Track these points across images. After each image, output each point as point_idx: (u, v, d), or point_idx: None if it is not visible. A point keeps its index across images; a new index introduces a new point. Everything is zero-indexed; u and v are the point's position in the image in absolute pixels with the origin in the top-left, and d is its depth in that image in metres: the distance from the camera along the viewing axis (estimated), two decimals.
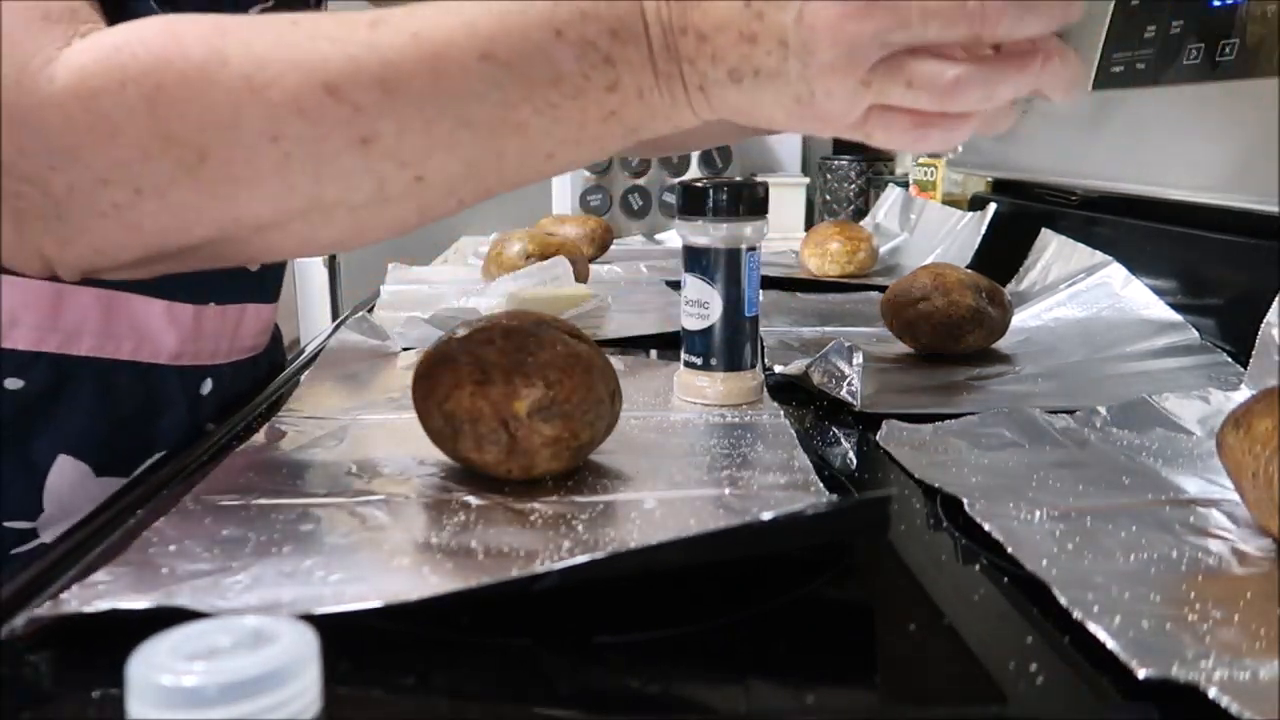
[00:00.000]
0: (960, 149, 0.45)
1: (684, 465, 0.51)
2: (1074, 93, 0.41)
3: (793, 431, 0.56)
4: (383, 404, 0.62)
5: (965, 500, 0.45)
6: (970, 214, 1.10)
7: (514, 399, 0.46)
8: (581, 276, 0.98)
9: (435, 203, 0.44)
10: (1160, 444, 0.53)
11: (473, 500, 0.46)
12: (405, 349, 0.75)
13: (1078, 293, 0.84)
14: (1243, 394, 0.56)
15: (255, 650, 0.22)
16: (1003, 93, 0.39)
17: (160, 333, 0.59)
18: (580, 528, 0.43)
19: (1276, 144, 0.66)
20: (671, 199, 1.48)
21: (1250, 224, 0.71)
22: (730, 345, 0.61)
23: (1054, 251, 0.93)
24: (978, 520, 0.43)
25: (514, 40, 0.40)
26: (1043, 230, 0.96)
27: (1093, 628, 0.33)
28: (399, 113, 0.40)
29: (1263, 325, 0.60)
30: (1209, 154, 0.74)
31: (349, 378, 0.68)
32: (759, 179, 0.64)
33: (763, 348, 0.68)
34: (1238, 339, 0.68)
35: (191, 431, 0.61)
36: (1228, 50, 0.72)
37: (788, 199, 1.60)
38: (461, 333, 0.49)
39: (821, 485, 0.47)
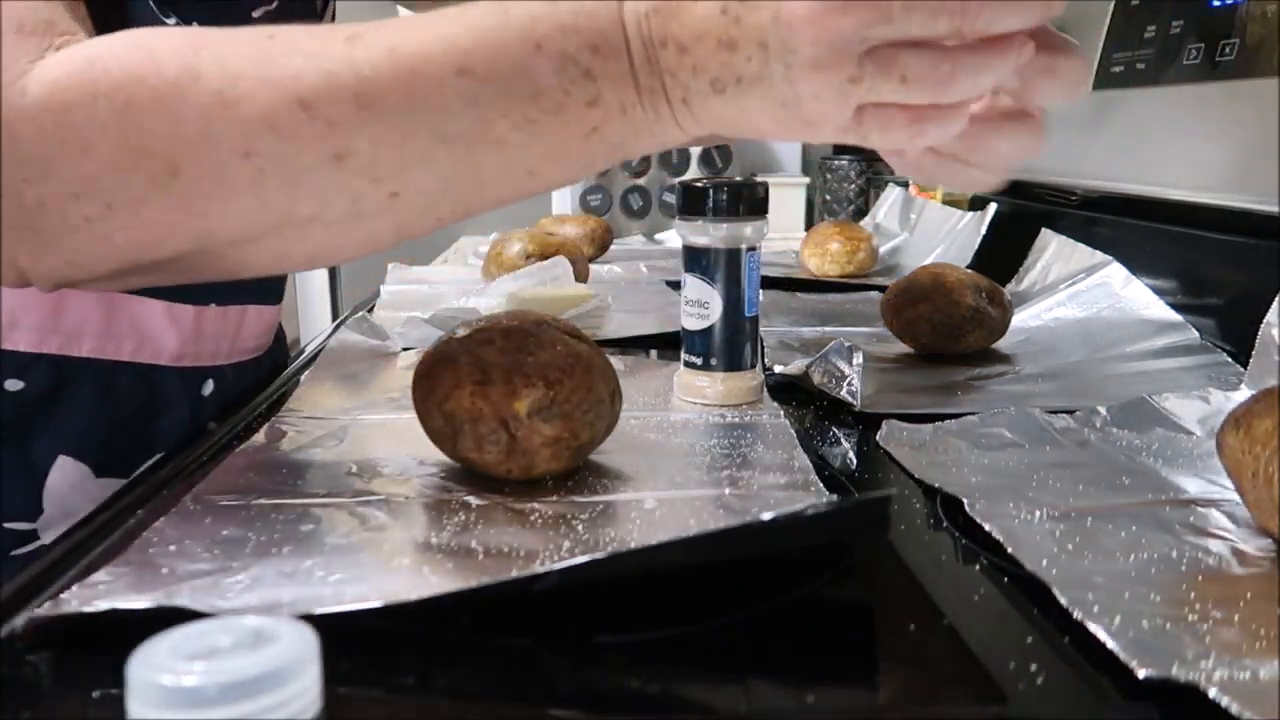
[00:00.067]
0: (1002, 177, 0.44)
1: (684, 465, 0.51)
2: (1079, 91, 0.41)
3: (793, 431, 0.56)
4: (383, 404, 0.62)
5: (965, 500, 0.45)
6: (970, 214, 1.10)
7: (514, 399, 0.46)
8: (581, 276, 0.98)
9: (412, 220, 0.43)
10: (1160, 444, 0.53)
11: (473, 500, 0.46)
12: (405, 349, 0.75)
13: (1078, 293, 0.84)
14: (1243, 394, 0.56)
15: (255, 650, 0.22)
16: (985, 80, 0.38)
17: (161, 334, 0.59)
18: (580, 528, 0.43)
19: (1276, 144, 0.66)
20: (671, 199, 1.48)
21: (1250, 224, 0.71)
22: (730, 345, 0.61)
23: (1054, 251, 0.93)
24: (978, 520, 0.43)
25: (491, 54, 0.39)
26: (1043, 230, 0.96)
27: (1093, 628, 0.33)
28: (373, 128, 0.40)
29: (1263, 325, 0.60)
30: (1209, 154, 0.74)
31: (349, 378, 0.68)
32: (759, 179, 0.64)
33: (763, 348, 0.68)
34: (1238, 339, 0.68)
35: (193, 432, 0.61)
36: (1228, 50, 0.72)
37: (788, 199, 1.60)
38: (461, 333, 0.49)
39: (821, 485, 0.47)
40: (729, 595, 0.38)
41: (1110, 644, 0.32)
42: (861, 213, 1.47)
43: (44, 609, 0.35)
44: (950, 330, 0.72)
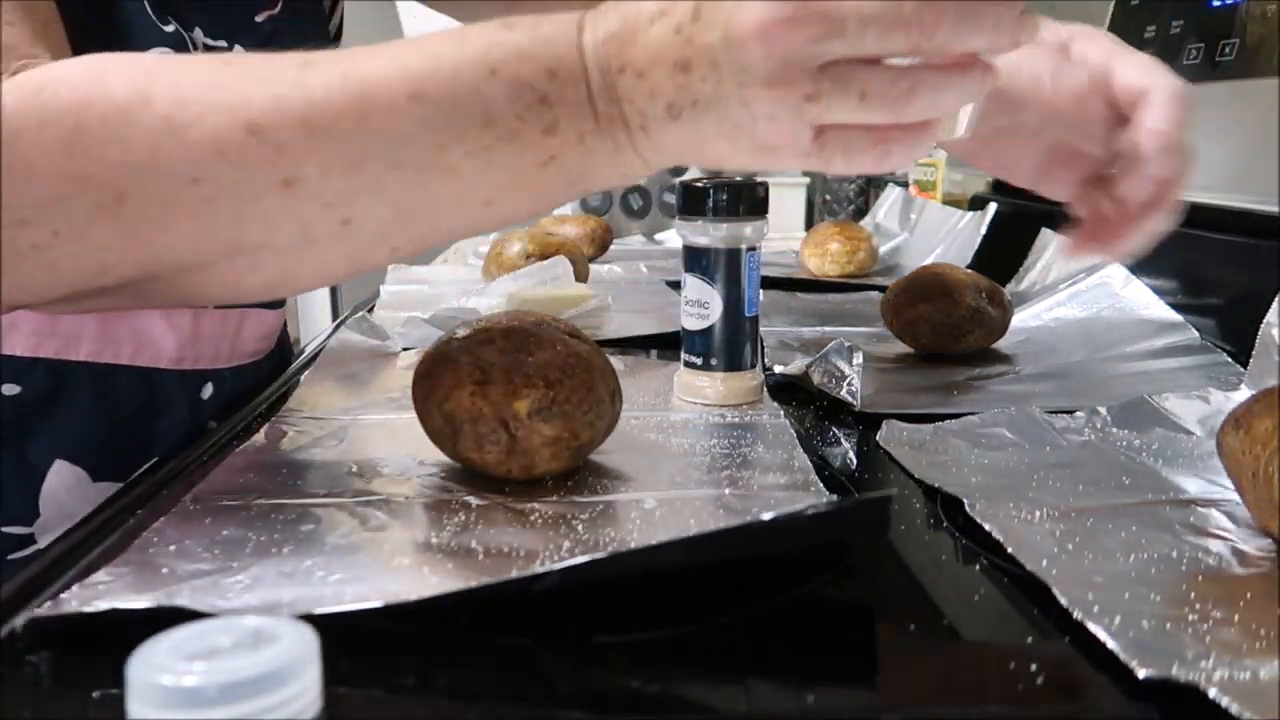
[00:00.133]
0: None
1: (684, 465, 0.51)
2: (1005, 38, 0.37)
3: (793, 431, 0.56)
4: (383, 404, 0.62)
5: (965, 500, 0.45)
6: (970, 214, 1.10)
7: (514, 399, 0.46)
8: (581, 276, 0.98)
9: (364, 248, 0.42)
10: (1160, 444, 0.53)
11: (473, 500, 0.46)
12: (405, 349, 0.75)
13: (1078, 293, 0.84)
14: (1243, 394, 0.56)
15: (255, 650, 0.22)
16: (949, 98, 0.37)
17: (159, 337, 0.59)
18: (580, 528, 0.43)
19: (1276, 144, 0.66)
20: (671, 199, 1.48)
21: (1250, 224, 0.71)
22: (730, 345, 0.61)
23: (1054, 251, 0.93)
24: (978, 520, 0.43)
25: (445, 80, 0.38)
26: (1043, 230, 0.96)
27: (1093, 628, 0.33)
28: (323, 154, 0.39)
29: (1263, 325, 0.60)
30: (1209, 154, 0.74)
31: (349, 378, 0.68)
32: (759, 179, 0.64)
33: (763, 348, 0.68)
34: (1238, 339, 0.68)
35: (191, 434, 0.61)
36: (1228, 50, 0.72)
37: (788, 199, 1.60)
38: (461, 333, 0.49)
39: (821, 485, 0.47)
40: (729, 595, 0.38)
41: (1110, 644, 0.32)
42: (861, 213, 1.47)
43: (44, 609, 0.35)
44: (950, 330, 0.72)
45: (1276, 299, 0.59)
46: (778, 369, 0.68)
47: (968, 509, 0.44)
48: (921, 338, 0.74)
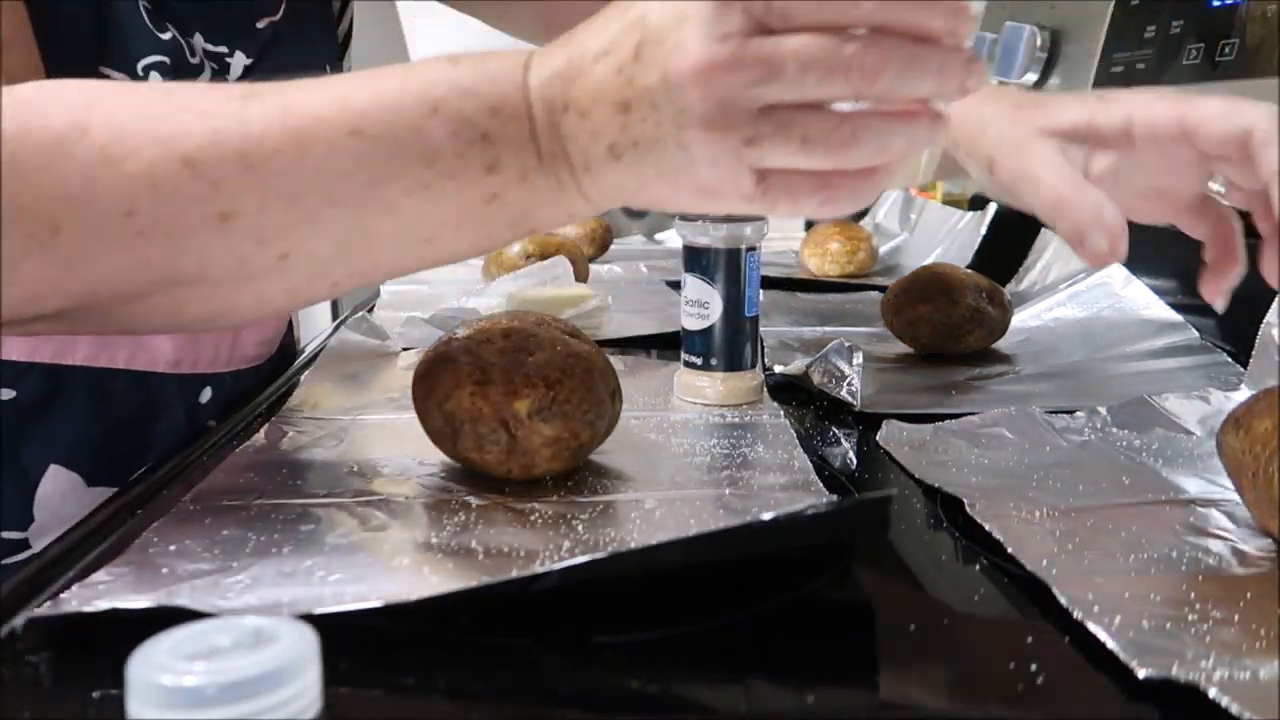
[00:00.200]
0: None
1: (684, 465, 0.51)
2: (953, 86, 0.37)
3: (793, 431, 0.56)
4: (383, 404, 0.62)
5: (965, 500, 0.45)
6: (970, 214, 1.10)
7: (514, 399, 0.46)
8: (581, 276, 0.98)
9: (304, 283, 0.42)
10: (1160, 444, 0.53)
11: (473, 500, 0.46)
12: (405, 349, 0.75)
13: (1078, 293, 0.84)
14: (1243, 394, 0.56)
15: (255, 650, 0.22)
16: (894, 143, 0.36)
17: (156, 340, 0.59)
18: (580, 528, 0.43)
19: None
20: None
21: (1250, 224, 0.71)
22: (730, 345, 0.61)
23: (1054, 251, 0.93)
24: (978, 520, 0.43)
25: (385, 116, 0.38)
26: (1043, 230, 0.96)
27: (1093, 628, 0.33)
28: (260, 188, 0.39)
29: (1263, 325, 0.60)
30: None
31: (349, 378, 0.68)
32: None
33: (763, 348, 0.68)
34: (1238, 339, 0.68)
35: (188, 438, 0.61)
36: (1228, 50, 0.72)
37: None
38: (461, 333, 0.49)
39: (821, 485, 0.47)
40: (729, 595, 0.38)
41: (1110, 644, 0.32)
42: (861, 213, 1.46)
43: (44, 609, 0.35)
44: (950, 330, 0.72)
45: (1276, 299, 0.59)
46: (778, 369, 0.68)
47: (968, 509, 0.44)
48: (921, 338, 0.74)
